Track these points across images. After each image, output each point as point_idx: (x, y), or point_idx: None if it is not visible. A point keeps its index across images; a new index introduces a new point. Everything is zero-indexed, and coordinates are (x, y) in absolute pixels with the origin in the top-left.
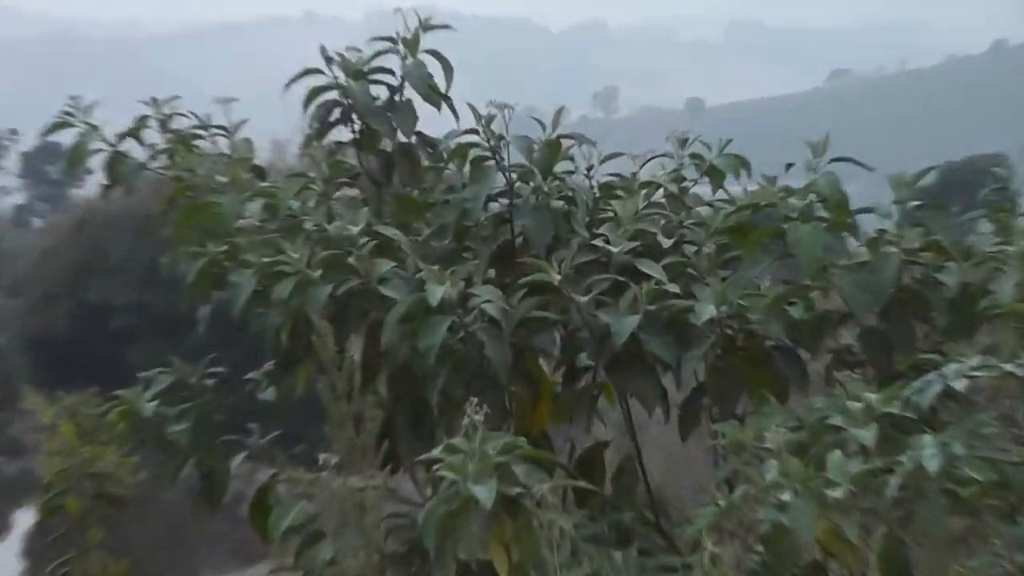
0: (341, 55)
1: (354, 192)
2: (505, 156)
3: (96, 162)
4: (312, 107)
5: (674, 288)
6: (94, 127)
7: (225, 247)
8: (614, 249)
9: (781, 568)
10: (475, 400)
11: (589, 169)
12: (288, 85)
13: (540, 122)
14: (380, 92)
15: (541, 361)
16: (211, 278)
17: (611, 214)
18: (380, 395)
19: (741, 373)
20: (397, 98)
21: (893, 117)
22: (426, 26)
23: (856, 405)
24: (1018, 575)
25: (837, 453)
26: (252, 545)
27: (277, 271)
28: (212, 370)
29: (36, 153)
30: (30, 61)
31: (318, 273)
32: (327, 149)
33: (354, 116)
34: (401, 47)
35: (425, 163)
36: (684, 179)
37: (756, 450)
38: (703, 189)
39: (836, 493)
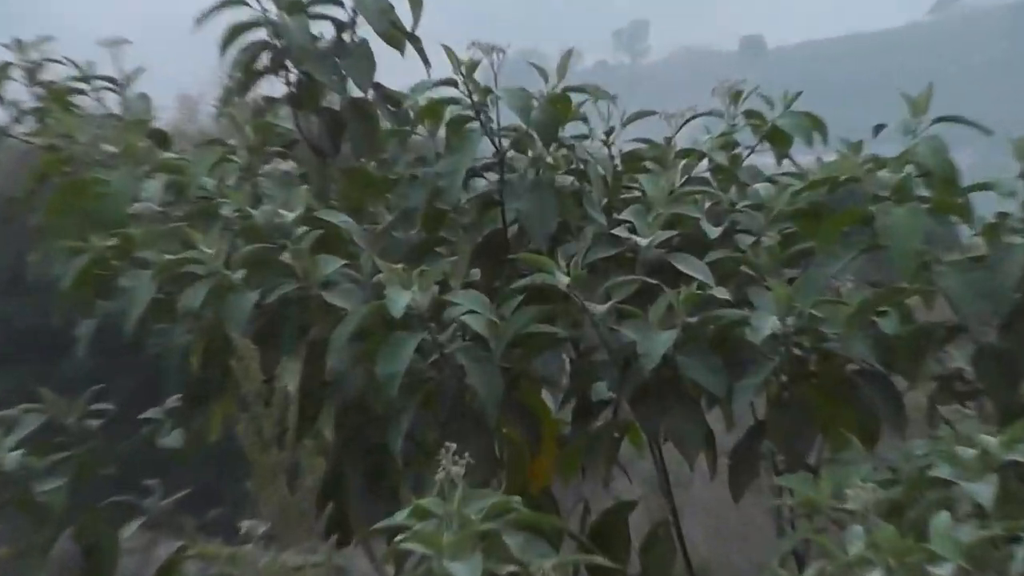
0: None
1: (289, 165)
2: (494, 116)
3: None
4: (232, 51)
5: (723, 293)
6: None
7: (115, 240)
8: (642, 241)
9: None
10: (453, 446)
11: (608, 133)
12: (200, 22)
13: (541, 69)
14: (325, 30)
15: (544, 393)
16: (95, 282)
17: (638, 194)
18: (324, 440)
19: (814, 408)
20: (347, 38)
21: (1017, 61)
22: None
23: (969, 451)
24: None
25: (944, 516)
26: None
27: (185, 273)
28: (96, 407)
29: None
30: None
31: (240, 275)
32: (253, 107)
33: (289, 63)
34: None
35: (385, 126)
36: (737, 146)
37: (835, 512)
38: (763, 159)
39: (943, 571)
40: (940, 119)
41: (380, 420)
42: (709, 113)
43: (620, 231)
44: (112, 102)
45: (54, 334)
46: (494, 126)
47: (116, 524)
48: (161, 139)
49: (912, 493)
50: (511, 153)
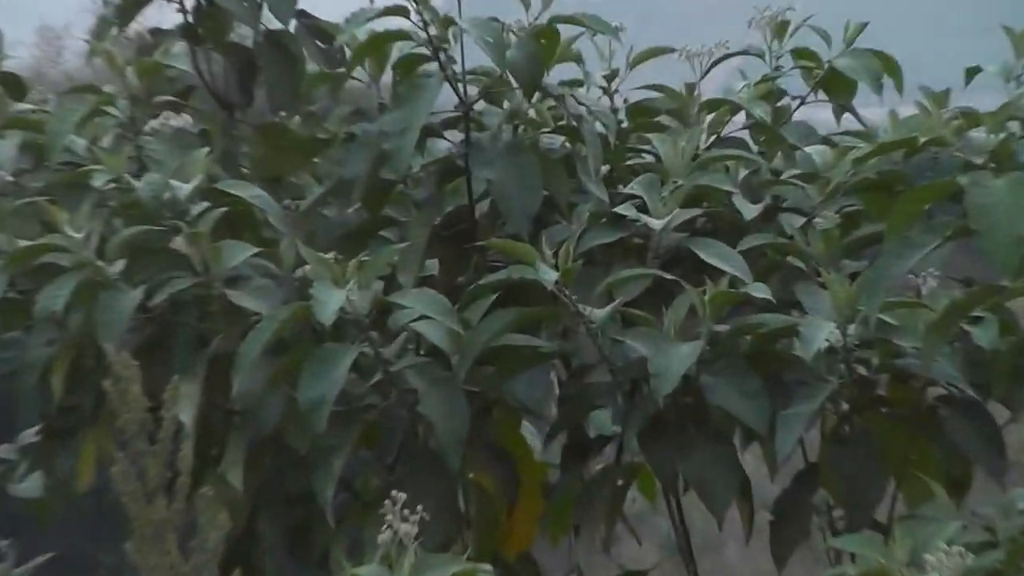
0: None
1: (184, 120)
2: (457, 56)
3: None
4: None
5: (763, 292)
6: None
7: None
8: (655, 223)
9: None
10: (402, 496)
11: (610, 78)
12: None
13: None
14: None
15: (524, 427)
16: None
17: (649, 159)
18: (230, 487)
19: (884, 446)
20: None
21: None
22: None
23: None
24: None
25: None
26: None
27: (44, 264)
28: None
29: None
30: None
31: (118, 267)
32: (137, 43)
33: None
34: None
35: (313, 68)
36: (783, 95)
37: None
38: (817, 113)
39: None
40: None
41: (304, 461)
42: (745, 51)
43: (626, 209)
44: None
45: None
46: (457, 68)
47: None
48: (13, 85)
49: (1014, 560)
50: (480, 105)
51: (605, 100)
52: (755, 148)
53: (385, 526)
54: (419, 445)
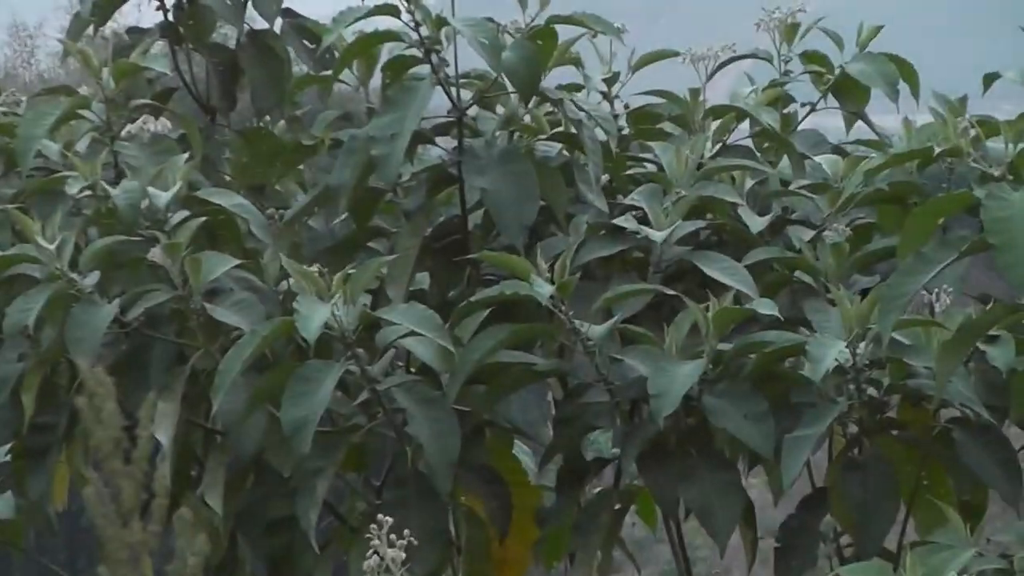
0: None
1: (163, 125)
2: (450, 58)
3: None
4: None
5: (770, 308)
6: None
7: None
8: (656, 235)
9: None
10: (389, 521)
11: (611, 82)
12: None
13: None
14: None
15: (517, 448)
16: None
17: (651, 168)
18: (209, 511)
19: (895, 470)
20: None
21: None
22: None
23: None
24: None
25: None
26: None
27: (14, 276)
28: None
29: None
30: None
31: (92, 279)
32: (114, 43)
33: None
34: None
35: (300, 70)
36: (792, 101)
37: None
38: (828, 121)
39: None
40: None
41: (288, 484)
42: (753, 55)
43: (626, 220)
44: None
45: None
46: (450, 71)
47: None
48: None
49: None
50: (474, 110)
51: (605, 105)
52: (762, 157)
53: (371, 552)
54: (408, 468)
